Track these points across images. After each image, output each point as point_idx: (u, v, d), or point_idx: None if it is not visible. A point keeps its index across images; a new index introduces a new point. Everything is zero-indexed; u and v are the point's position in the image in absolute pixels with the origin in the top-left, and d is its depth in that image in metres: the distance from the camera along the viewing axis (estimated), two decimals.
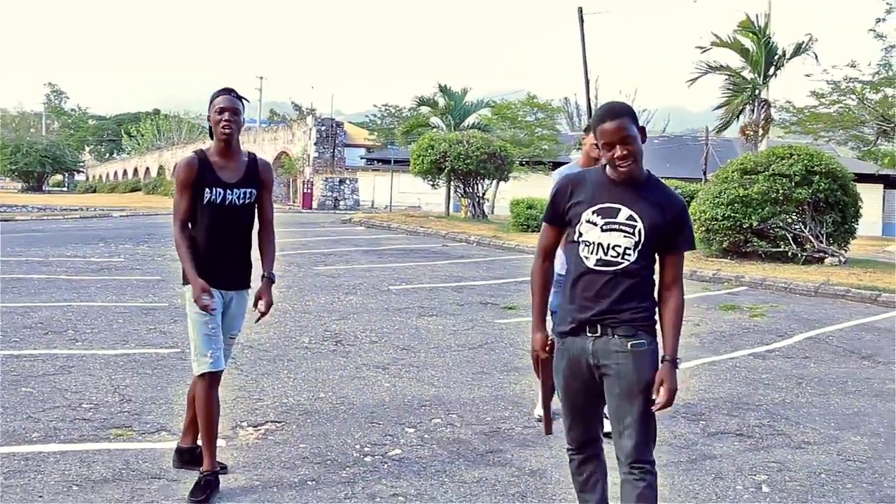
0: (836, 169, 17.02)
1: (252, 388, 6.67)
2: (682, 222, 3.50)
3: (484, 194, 28.88)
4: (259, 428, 5.72)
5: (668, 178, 22.27)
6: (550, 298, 3.85)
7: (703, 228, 17.17)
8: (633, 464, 3.41)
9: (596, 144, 3.53)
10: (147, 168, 78.28)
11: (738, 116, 24.49)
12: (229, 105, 4.53)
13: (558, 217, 3.57)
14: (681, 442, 5.71)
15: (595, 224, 3.41)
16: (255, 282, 4.78)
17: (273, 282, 4.72)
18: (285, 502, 4.47)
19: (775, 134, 29.37)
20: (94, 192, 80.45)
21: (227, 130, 4.52)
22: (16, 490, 4.50)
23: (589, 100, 32.60)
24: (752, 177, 16.91)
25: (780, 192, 16.44)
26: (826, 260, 16.47)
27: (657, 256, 3.50)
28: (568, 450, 3.72)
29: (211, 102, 4.57)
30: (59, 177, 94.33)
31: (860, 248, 21.34)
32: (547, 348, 3.61)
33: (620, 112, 3.41)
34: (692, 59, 23.95)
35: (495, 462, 5.23)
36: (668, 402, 3.41)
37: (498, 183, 30.82)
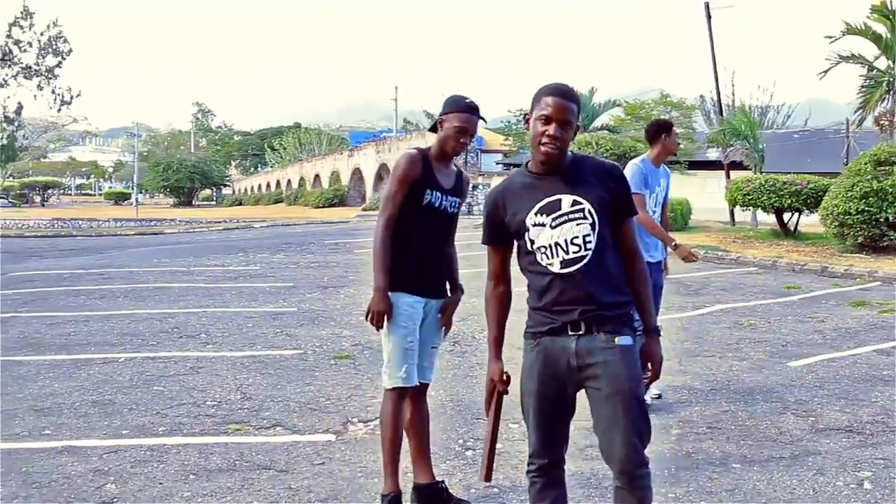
0: None
1: (367, 387, 6.93)
2: (622, 188, 3.31)
3: None
4: (368, 424, 5.95)
5: (807, 173, 21.64)
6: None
7: (836, 223, 16.62)
8: (632, 472, 3.16)
9: (527, 118, 3.28)
10: (289, 180, 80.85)
11: (874, 109, 23.46)
12: (471, 128, 4.27)
13: (498, 236, 3.35)
14: (786, 438, 5.63)
15: (543, 225, 3.19)
16: None
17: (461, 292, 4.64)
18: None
19: None
20: (240, 204, 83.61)
21: (458, 150, 4.33)
22: (139, 477, 4.87)
23: (719, 96, 31.89)
24: (887, 168, 16.27)
25: None
26: None
27: (611, 232, 3.25)
28: (530, 472, 3.39)
29: (453, 111, 4.27)
30: (207, 191, 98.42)
31: None
32: (504, 379, 3.41)
33: (570, 95, 3.23)
34: (824, 50, 22.98)
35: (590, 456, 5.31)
36: (657, 375, 3.37)
37: None
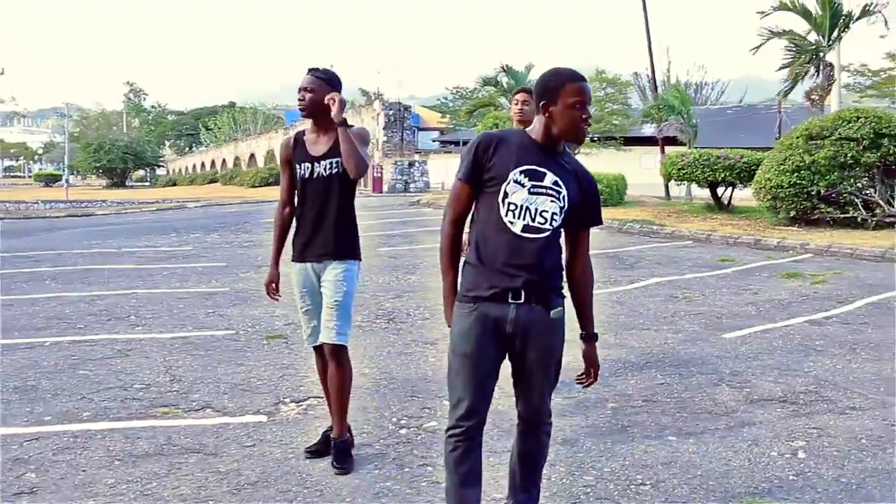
0: None
1: (300, 366, 6.79)
2: (596, 199, 3.47)
3: None
4: (301, 403, 5.84)
5: (740, 147, 21.91)
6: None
7: (769, 196, 16.86)
8: (543, 420, 3.51)
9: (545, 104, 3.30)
10: (224, 160, 79.76)
11: (802, 80, 23.77)
12: (304, 84, 4.67)
13: (478, 174, 3.34)
14: (721, 409, 5.65)
15: (522, 185, 3.26)
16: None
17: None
18: (316, 474, 4.57)
19: (851, 99, 28.57)
20: (175, 185, 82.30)
21: (302, 109, 4.70)
22: (61, 465, 4.69)
23: (654, 72, 32.14)
24: (818, 142, 16.52)
25: (848, 156, 16.05)
26: None
27: (564, 231, 3.43)
28: (454, 435, 3.38)
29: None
30: (141, 172, 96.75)
31: None
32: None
33: (585, 78, 3.35)
34: (758, 27, 23.19)
35: None
36: (595, 380, 3.61)
37: None
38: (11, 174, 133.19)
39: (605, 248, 14.83)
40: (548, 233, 3.28)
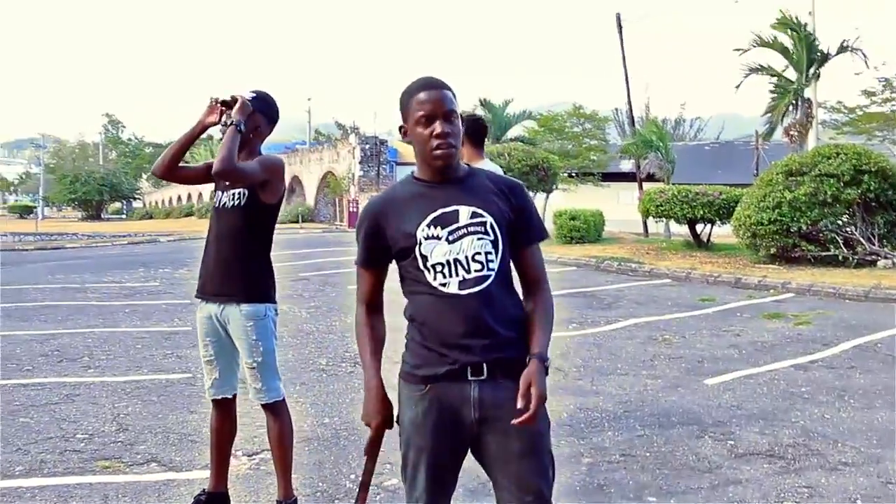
0: (887, 167, 16.28)
1: (256, 415, 6.32)
2: (529, 207, 2.83)
3: None
4: (253, 457, 5.44)
5: (718, 184, 21.72)
6: None
7: (749, 234, 16.57)
8: None
9: (402, 129, 2.77)
10: (200, 193, 79.11)
11: (782, 118, 23.71)
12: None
13: (375, 256, 2.83)
14: (703, 465, 5.26)
15: (438, 238, 2.66)
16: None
17: None
18: None
19: (827, 136, 28.53)
20: (151, 218, 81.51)
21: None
22: None
23: (631, 107, 32.12)
24: (798, 178, 16.26)
25: (828, 193, 15.76)
26: (879, 263, 15.67)
27: (513, 261, 2.80)
28: None
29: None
30: (117, 204, 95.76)
31: None
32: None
33: (443, 84, 2.72)
34: (736, 63, 23.17)
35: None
36: (534, 415, 2.54)
37: (547, 196, 30.43)
38: None
39: (582, 287, 14.49)
40: (490, 277, 2.66)
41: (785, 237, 16.18)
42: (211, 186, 4.58)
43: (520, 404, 2.54)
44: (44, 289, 14.75)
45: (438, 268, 2.67)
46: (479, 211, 2.69)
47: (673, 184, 24.62)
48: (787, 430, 6.03)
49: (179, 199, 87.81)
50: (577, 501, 4.64)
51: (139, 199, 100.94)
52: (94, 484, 4.92)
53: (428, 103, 2.66)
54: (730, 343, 9.26)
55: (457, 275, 2.65)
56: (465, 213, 2.68)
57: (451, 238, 2.66)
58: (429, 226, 2.67)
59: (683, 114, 65.86)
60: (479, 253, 2.66)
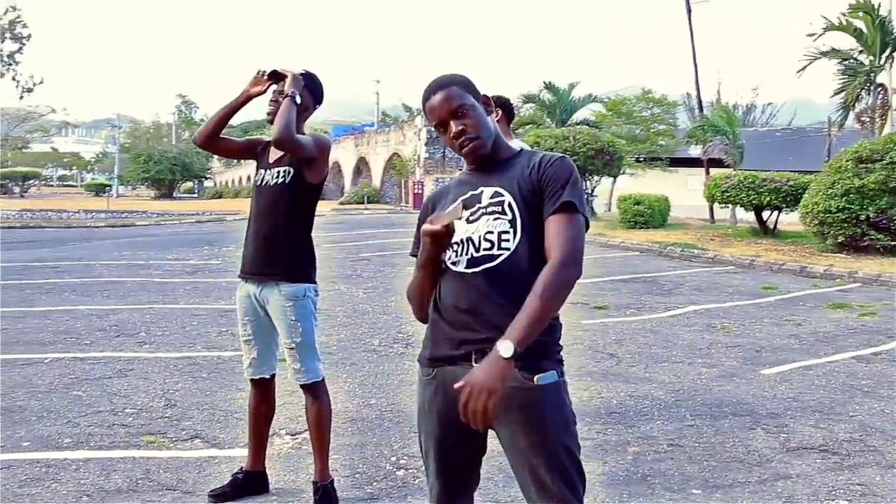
0: None
1: (302, 394, 6.37)
2: (561, 177, 2.57)
3: (593, 191, 28.14)
4: (296, 437, 5.43)
5: (787, 170, 21.21)
6: None
7: (816, 221, 16.17)
8: None
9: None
10: None
11: (854, 105, 22.98)
12: (278, 88, 4.25)
13: None
14: (753, 458, 5.10)
15: (461, 219, 2.56)
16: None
17: None
18: None
19: None
20: (220, 197, 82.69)
21: (268, 115, 4.20)
22: (23, 500, 4.31)
23: (699, 91, 31.55)
24: (869, 165, 15.78)
25: None
26: None
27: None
28: None
29: None
30: (189, 184, 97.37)
31: None
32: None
33: (447, 82, 2.65)
34: (804, 46, 22.45)
35: None
36: (464, 409, 2.26)
37: (614, 180, 30.10)
38: (64, 183, 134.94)
39: (643, 273, 14.28)
40: (502, 257, 2.51)
41: (853, 225, 15.73)
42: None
43: (456, 385, 2.31)
44: (109, 265, 15.04)
45: (454, 247, 2.58)
46: (500, 191, 2.60)
47: (741, 170, 24.12)
48: (844, 424, 5.83)
49: (248, 178, 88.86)
50: (618, 492, 4.53)
51: (210, 178, 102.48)
52: (137, 458, 4.96)
53: (435, 110, 2.64)
54: (790, 333, 9.02)
55: (466, 253, 2.56)
56: (487, 193, 2.62)
57: (470, 218, 2.59)
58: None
59: (755, 99, 64.53)
60: (491, 232, 2.55)
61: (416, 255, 2.72)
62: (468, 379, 2.27)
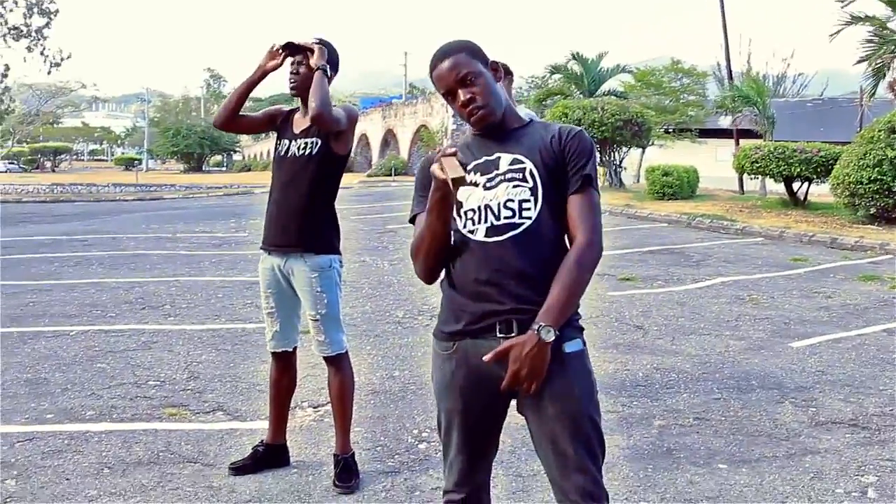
0: None
1: (325, 367, 6.35)
2: (581, 152, 2.53)
3: (621, 162, 27.87)
4: (318, 409, 5.40)
5: (819, 141, 20.86)
6: None
7: (847, 193, 15.88)
8: None
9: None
10: None
11: (885, 74, 22.48)
12: (298, 58, 4.20)
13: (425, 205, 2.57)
14: (781, 433, 5.01)
15: (476, 185, 2.49)
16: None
17: None
18: (316, 493, 4.12)
19: None
20: (249, 170, 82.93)
21: (291, 85, 4.20)
22: (46, 472, 4.32)
23: (729, 61, 31.12)
24: None
25: None
26: None
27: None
28: (449, 501, 2.69)
29: None
30: (218, 157, 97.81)
31: None
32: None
33: (454, 49, 2.56)
34: (834, 13, 21.96)
35: None
36: (512, 384, 2.37)
37: (643, 151, 29.77)
38: (95, 157, 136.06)
39: (670, 244, 14.13)
40: (524, 226, 2.45)
41: (885, 197, 15.45)
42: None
43: (486, 358, 2.38)
44: (137, 237, 15.12)
45: (470, 214, 2.51)
46: (521, 158, 2.52)
47: (771, 140, 23.79)
48: (874, 398, 5.72)
49: None
50: (643, 466, 4.47)
51: (239, 151, 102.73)
52: (159, 431, 4.96)
53: (443, 79, 2.56)
54: (820, 305, 8.88)
55: (485, 221, 2.48)
56: (506, 160, 2.53)
57: (488, 185, 2.51)
58: (470, 172, 2.51)
59: (787, 70, 63.60)
60: (511, 200, 2.47)
61: (411, 217, 2.71)
62: (516, 367, 2.35)
